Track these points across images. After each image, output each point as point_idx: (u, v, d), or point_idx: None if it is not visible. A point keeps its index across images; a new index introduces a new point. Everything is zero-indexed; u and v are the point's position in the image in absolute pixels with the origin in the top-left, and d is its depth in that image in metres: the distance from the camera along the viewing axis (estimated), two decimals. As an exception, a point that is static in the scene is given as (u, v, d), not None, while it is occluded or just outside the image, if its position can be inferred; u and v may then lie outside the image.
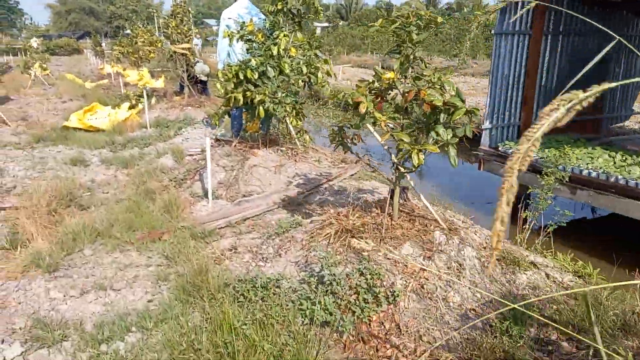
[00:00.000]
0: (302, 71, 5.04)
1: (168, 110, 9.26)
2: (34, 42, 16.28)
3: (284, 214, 4.26)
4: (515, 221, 3.82)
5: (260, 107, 4.74)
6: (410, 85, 2.83)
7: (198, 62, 9.69)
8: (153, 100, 10.02)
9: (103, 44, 21.28)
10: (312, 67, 5.05)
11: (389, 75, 2.76)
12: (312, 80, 5.12)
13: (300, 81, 5.04)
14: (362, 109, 2.67)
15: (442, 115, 2.64)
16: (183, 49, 9.24)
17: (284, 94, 4.87)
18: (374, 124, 2.78)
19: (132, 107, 9.90)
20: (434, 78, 2.72)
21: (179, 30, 9.15)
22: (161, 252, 3.58)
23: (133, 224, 4.03)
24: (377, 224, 2.98)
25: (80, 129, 8.30)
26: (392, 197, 3.53)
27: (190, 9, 9.33)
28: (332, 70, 5.25)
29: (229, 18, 5.72)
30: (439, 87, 2.72)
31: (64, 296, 2.97)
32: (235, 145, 5.42)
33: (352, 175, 5.04)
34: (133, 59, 15.89)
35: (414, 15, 2.75)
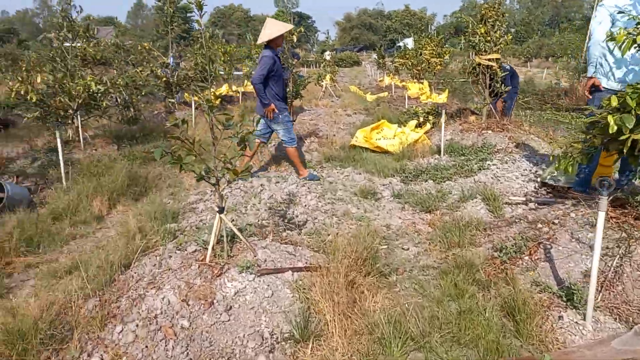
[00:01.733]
0: None
1: (462, 133, 7.79)
2: (327, 55, 17.33)
3: None
4: None
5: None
6: None
7: (507, 73, 7.89)
8: (443, 119, 8.73)
9: (386, 57, 21.58)
10: None
11: None
12: None
13: None
14: None
15: None
16: (490, 59, 7.62)
17: None
18: None
19: (418, 125, 8.85)
20: None
21: (488, 38, 7.56)
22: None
23: (459, 331, 2.60)
24: None
25: (366, 149, 7.62)
26: None
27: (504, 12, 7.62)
28: None
29: (619, 13, 3.74)
30: None
31: None
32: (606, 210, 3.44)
33: None
34: (415, 71, 15.25)
35: None
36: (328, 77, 14.88)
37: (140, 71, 8.42)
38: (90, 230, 4.43)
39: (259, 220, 4.50)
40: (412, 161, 6.88)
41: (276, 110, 5.60)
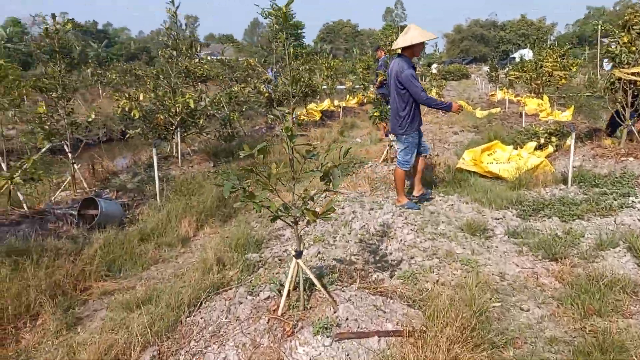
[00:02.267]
0: None
1: (595, 160, 6.60)
2: (434, 68, 16.46)
3: None
4: None
5: None
6: None
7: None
8: (568, 140, 7.55)
9: (499, 69, 20.04)
10: None
11: None
12: None
13: None
14: None
15: None
16: (633, 74, 6.37)
17: None
18: None
19: (538, 147, 7.75)
20: None
21: (633, 48, 6.32)
22: None
23: None
24: None
25: (475, 173, 6.76)
26: None
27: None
28: None
29: None
30: None
31: None
32: None
33: None
34: (534, 85, 13.78)
35: None
36: (434, 91, 14.02)
37: (243, 87, 8.45)
38: (174, 254, 4.27)
39: (347, 255, 4.00)
40: (531, 191, 5.91)
41: (462, 108, 5.12)
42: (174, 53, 6.53)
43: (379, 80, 8.19)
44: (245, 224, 4.73)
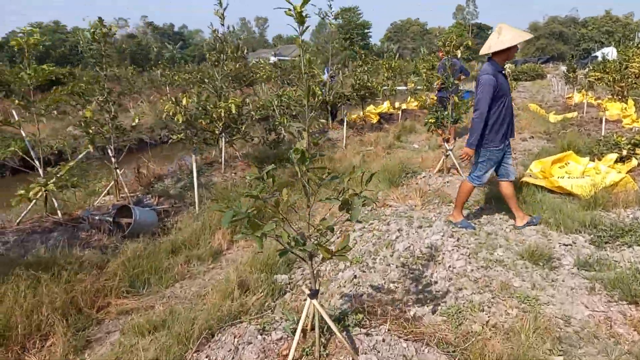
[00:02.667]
0: None
1: (690, 177, 5.66)
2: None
3: None
4: None
5: None
6: None
7: None
8: (657, 153, 6.61)
9: (578, 69, 18.46)
10: None
11: None
12: None
13: None
14: None
15: None
16: None
17: None
18: None
19: (620, 160, 6.84)
20: None
21: None
22: None
23: None
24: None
25: (542, 188, 6.03)
26: None
27: None
28: None
29: None
30: None
31: None
32: None
33: None
34: (618, 88, 12.44)
35: None
36: (502, 93, 13.07)
37: (294, 90, 8.21)
38: (202, 270, 4.07)
39: (385, 282, 3.61)
40: (609, 212, 5.14)
41: (471, 156, 4.63)
42: (221, 56, 6.41)
43: (437, 83, 7.63)
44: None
